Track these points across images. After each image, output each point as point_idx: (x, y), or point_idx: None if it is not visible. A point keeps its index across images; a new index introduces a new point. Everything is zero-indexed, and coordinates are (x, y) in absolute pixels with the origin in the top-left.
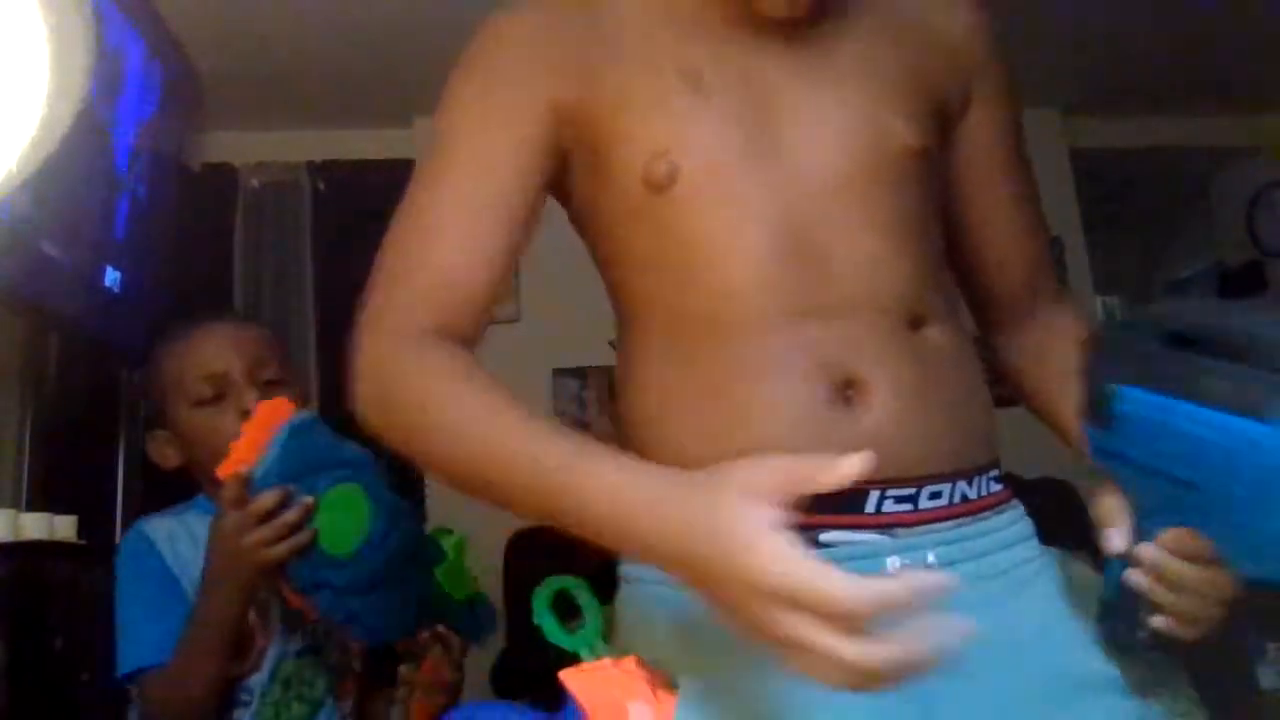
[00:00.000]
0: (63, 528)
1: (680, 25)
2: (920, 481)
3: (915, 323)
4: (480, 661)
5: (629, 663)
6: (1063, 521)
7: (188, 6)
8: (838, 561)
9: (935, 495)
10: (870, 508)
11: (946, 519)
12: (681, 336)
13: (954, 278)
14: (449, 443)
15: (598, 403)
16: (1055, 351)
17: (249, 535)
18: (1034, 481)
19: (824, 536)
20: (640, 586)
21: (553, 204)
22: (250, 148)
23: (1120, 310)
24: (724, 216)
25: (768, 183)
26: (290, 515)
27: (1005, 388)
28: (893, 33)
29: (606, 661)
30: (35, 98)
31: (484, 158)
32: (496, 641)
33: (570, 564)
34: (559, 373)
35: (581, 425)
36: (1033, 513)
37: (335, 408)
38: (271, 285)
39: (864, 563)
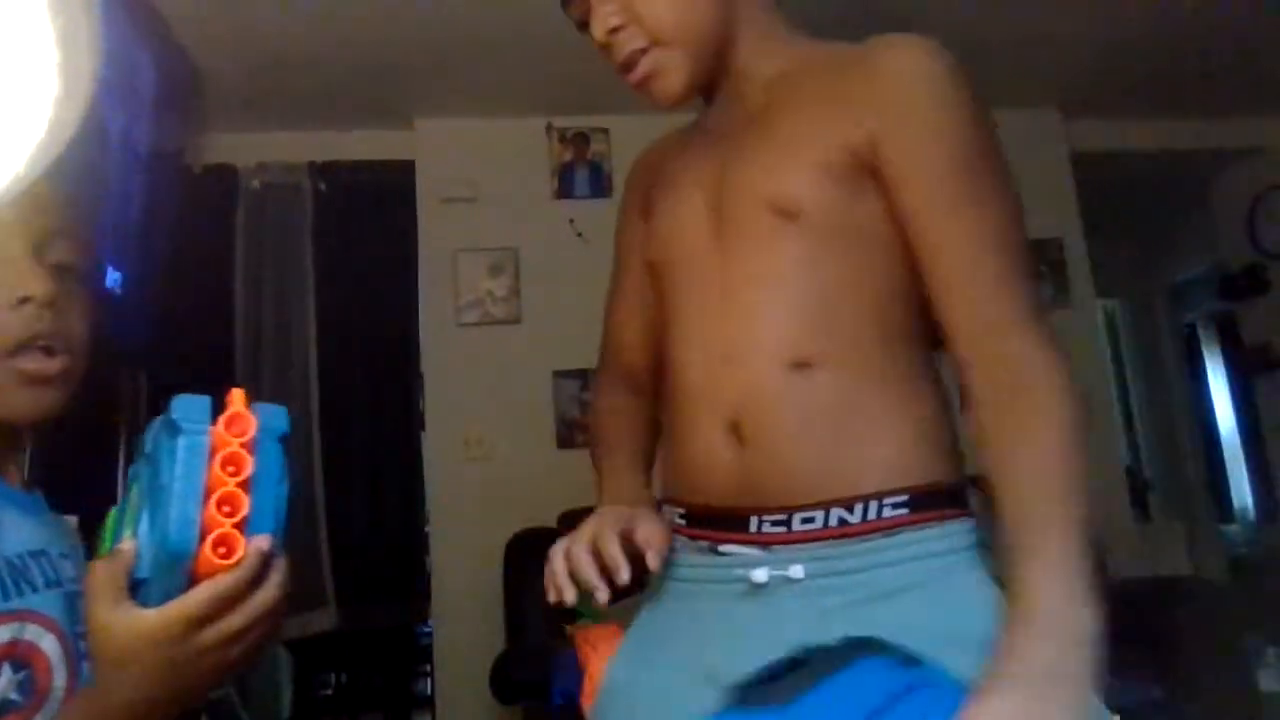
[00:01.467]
0: None
1: (681, 144)
2: (792, 509)
3: (800, 365)
4: (481, 663)
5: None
6: None
7: (188, 7)
8: (728, 568)
9: (808, 520)
10: (753, 528)
11: (819, 540)
12: (664, 381)
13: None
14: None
15: None
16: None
17: (237, 645)
18: None
19: (721, 548)
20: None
21: (552, 208)
22: (250, 148)
23: (1121, 312)
24: (677, 285)
25: (700, 254)
26: (278, 586)
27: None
28: (802, 102)
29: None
30: (43, 101)
31: (623, 270)
32: (496, 643)
33: None
34: (559, 374)
35: (581, 426)
36: None
37: (336, 406)
38: (271, 285)
39: (741, 570)
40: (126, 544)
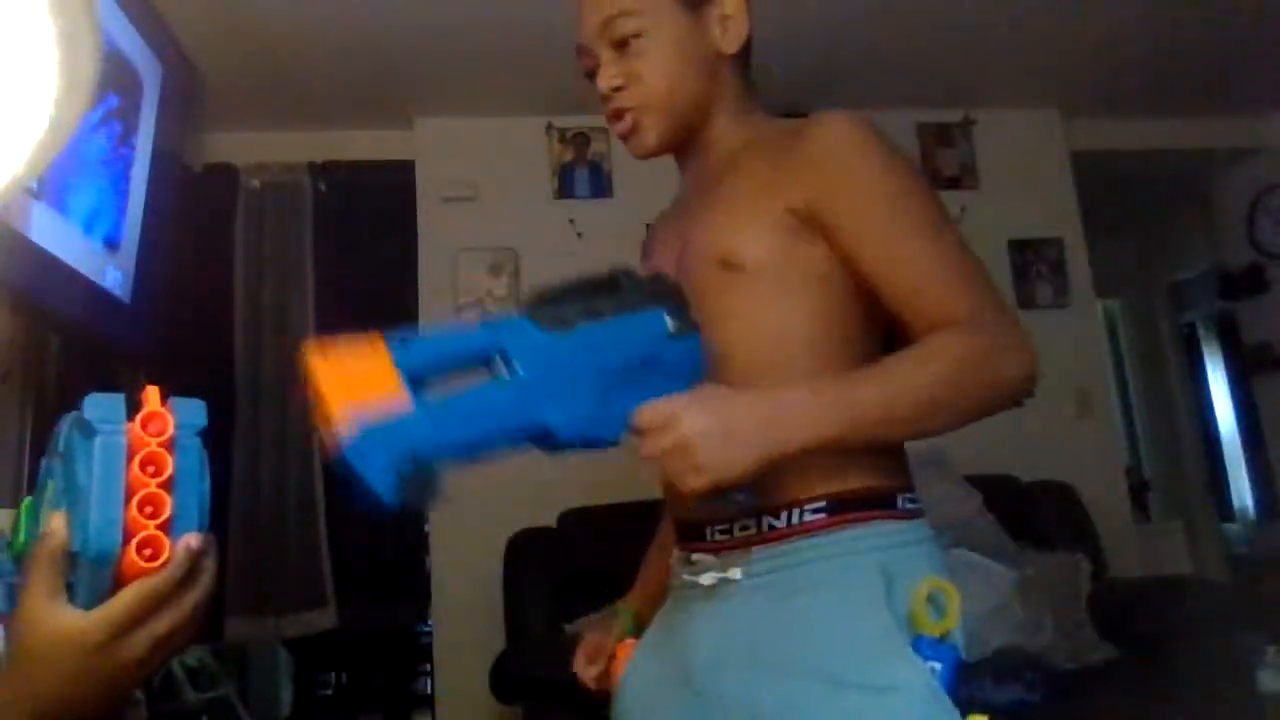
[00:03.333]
0: None
1: (671, 209)
2: (734, 519)
3: None
4: (481, 663)
5: None
6: (1061, 521)
7: (188, 7)
8: (693, 574)
9: (745, 527)
10: (707, 537)
11: (754, 544)
12: None
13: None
14: None
15: None
16: None
17: (163, 649)
18: (1033, 484)
19: (693, 557)
20: None
21: (553, 208)
22: (250, 148)
23: (1121, 312)
24: None
25: None
26: (205, 586)
27: None
28: (752, 170)
29: None
30: (43, 101)
31: None
32: (496, 643)
33: (568, 563)
34: None
35: None
36: (1032, 513)
37: None
38: (271, 285)
39: (696, 576)
40: (57, 523)
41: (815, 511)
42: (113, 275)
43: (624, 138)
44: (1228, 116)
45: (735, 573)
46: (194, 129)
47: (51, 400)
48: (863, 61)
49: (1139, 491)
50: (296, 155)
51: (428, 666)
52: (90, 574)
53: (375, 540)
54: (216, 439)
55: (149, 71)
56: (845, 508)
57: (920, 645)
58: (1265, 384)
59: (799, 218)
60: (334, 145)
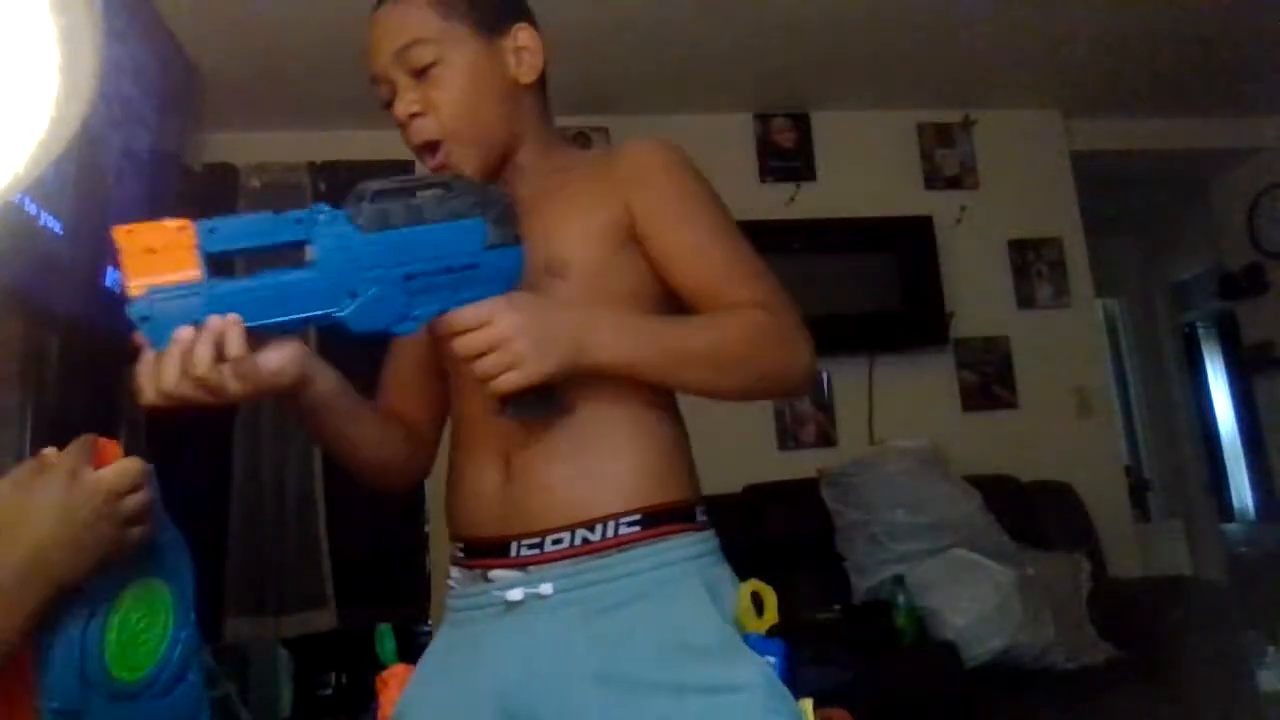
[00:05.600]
0: None
1: None
2: (545, 532)
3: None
4: None
5: None
6: (1061, 521)
7: (188, 6)
8: (492, 592)
9: (557, 541)
10: (513, 553)
11: (566, 558)
12: (457, 428)
13: None
14: None
15: None
16: None
17: (115, 504)
18: (1033, 484)
19: (490, 574)
20: None
21: None
22: (251, 148)
23: (1121, 312)
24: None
25: None
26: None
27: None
28: (572, 189)
29: None
30: (44, 101)
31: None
32: None
33: None
34: None
35: None
36: (1032, 513)
37: None
38: None
39: (500, 592)
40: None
41: (630, 525)
42: (113, 275)
43: (440, 170)
44: (1228, 116)
45: (546, 588)
46: (194, 129)
47: (51, 400)
48: (863, 61)
49: (1139, 491)
50: (296, 155)
51: None
52: None
53: (375, 540)
54: (217, 439)
55: (149, 71)
56: (658, 521)
57: (752, 642)
58: (1265, 384)
59: (619, 225)
60: (334, 145)
